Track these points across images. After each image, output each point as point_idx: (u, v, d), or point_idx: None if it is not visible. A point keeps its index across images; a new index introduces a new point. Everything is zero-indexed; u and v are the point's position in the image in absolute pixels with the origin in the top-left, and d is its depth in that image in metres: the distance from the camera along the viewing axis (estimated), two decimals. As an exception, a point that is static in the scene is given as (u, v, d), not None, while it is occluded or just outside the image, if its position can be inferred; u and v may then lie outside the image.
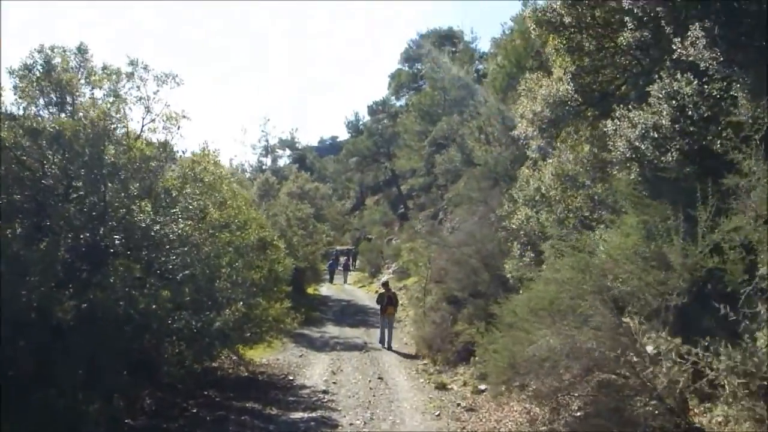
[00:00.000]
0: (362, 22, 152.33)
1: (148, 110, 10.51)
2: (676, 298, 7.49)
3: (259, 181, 35.49)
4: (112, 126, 9.11)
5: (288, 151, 66.05)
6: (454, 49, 50.61)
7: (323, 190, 43.64)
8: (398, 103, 59.99)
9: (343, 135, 70.37)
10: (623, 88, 12.24)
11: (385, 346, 18.61)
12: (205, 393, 11.95)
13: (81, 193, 9.18)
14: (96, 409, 8.29)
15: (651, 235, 8.54)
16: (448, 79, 42.34)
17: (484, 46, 54.59)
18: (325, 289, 33.23)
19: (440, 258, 20.44)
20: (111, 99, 9.62)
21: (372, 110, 62.95)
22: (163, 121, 10.48)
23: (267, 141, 60.54)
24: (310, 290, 29.97)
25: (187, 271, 9.27)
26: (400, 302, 23.42)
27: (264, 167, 56.26)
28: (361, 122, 63.19)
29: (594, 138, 12.31)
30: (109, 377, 8.58)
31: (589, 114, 12.37)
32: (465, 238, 19.30)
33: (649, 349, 8.54)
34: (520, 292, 13.06)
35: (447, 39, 53.77)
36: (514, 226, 14.08)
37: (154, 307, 7.94)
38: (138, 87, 10.52)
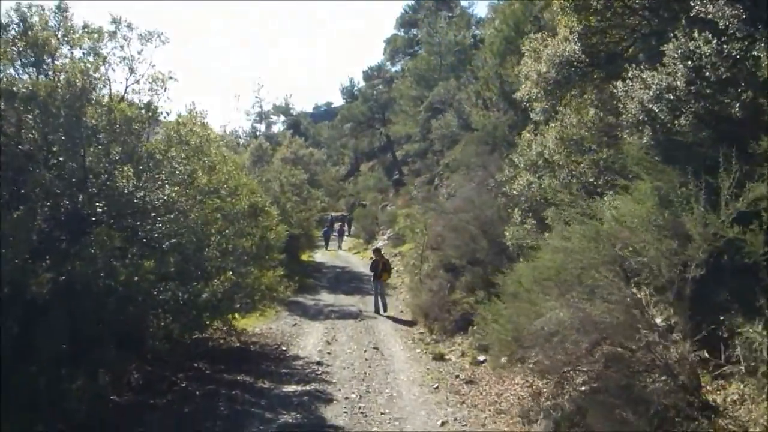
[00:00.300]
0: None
1: (132, 71, 9.92)
2: (695, 269, 7.05)
3: (252, 146, 34.76)
4: (93, 87, 8.51)
5: (282, 117, 65.31)
6: (450, 14, 49.59)
7: (318, 156, 43.04)
8: (394, 69, 59.14)
9: (338, 101, 69.65)
10: (631, 49, 11.69)
11: (381, 312, 18.33)
12: (195, 365, 11.56)
13: (61, 158, 8.62)
14: (79, 385, 7.88)
15: (665, 202, 8.10)
16: (444, 43, 41.59)
17: (481, 11, 53.62)
18: (319, 256, 32.81)
19: (437, 224, 20.03)
20: (91, 58, 9.01)
21: (367, 75, 62.11)
22: (148, 82, 9.90)
23: (261, 107, 59.75)
24: (304, 257, 29.54)
25: (173, 240, 8.78)
26: (395, 269, 23.11)
27: (258, 133, 55.51)
28: (356, 88, 62.39)
29: (600, 101, 11.79)
30: (92, 352, 8.16)
31: (595, 76, 11.83)
32: (463, 204, 18.84)
33: (659, 321, 8.20)
34: (521, 260, 12.66)
35: (444, 3, 52.65)
36: (515, 192, 13.60)
37: (136, 278, 7.47)
38: (121, 47, 9.93)
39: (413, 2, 57.28)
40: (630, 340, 7.53)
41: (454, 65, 38.40)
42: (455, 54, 39.37)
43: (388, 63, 60.85)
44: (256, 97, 61.20)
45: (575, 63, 11.42)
